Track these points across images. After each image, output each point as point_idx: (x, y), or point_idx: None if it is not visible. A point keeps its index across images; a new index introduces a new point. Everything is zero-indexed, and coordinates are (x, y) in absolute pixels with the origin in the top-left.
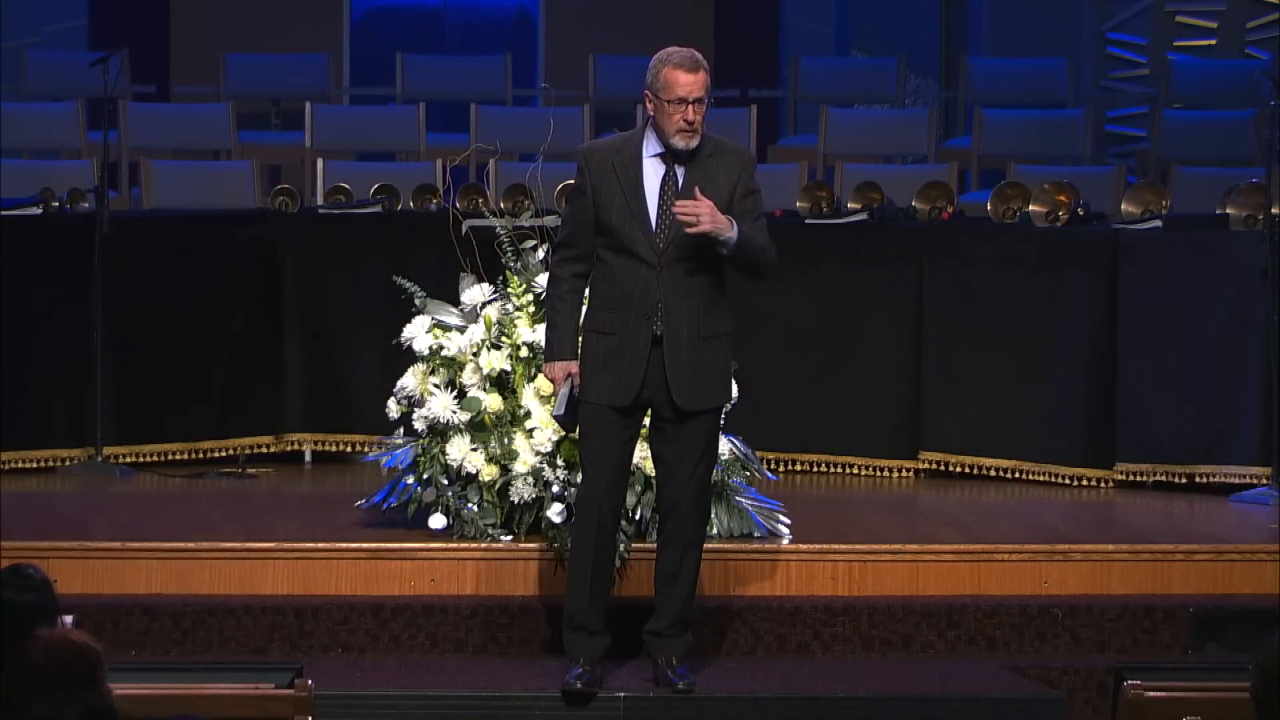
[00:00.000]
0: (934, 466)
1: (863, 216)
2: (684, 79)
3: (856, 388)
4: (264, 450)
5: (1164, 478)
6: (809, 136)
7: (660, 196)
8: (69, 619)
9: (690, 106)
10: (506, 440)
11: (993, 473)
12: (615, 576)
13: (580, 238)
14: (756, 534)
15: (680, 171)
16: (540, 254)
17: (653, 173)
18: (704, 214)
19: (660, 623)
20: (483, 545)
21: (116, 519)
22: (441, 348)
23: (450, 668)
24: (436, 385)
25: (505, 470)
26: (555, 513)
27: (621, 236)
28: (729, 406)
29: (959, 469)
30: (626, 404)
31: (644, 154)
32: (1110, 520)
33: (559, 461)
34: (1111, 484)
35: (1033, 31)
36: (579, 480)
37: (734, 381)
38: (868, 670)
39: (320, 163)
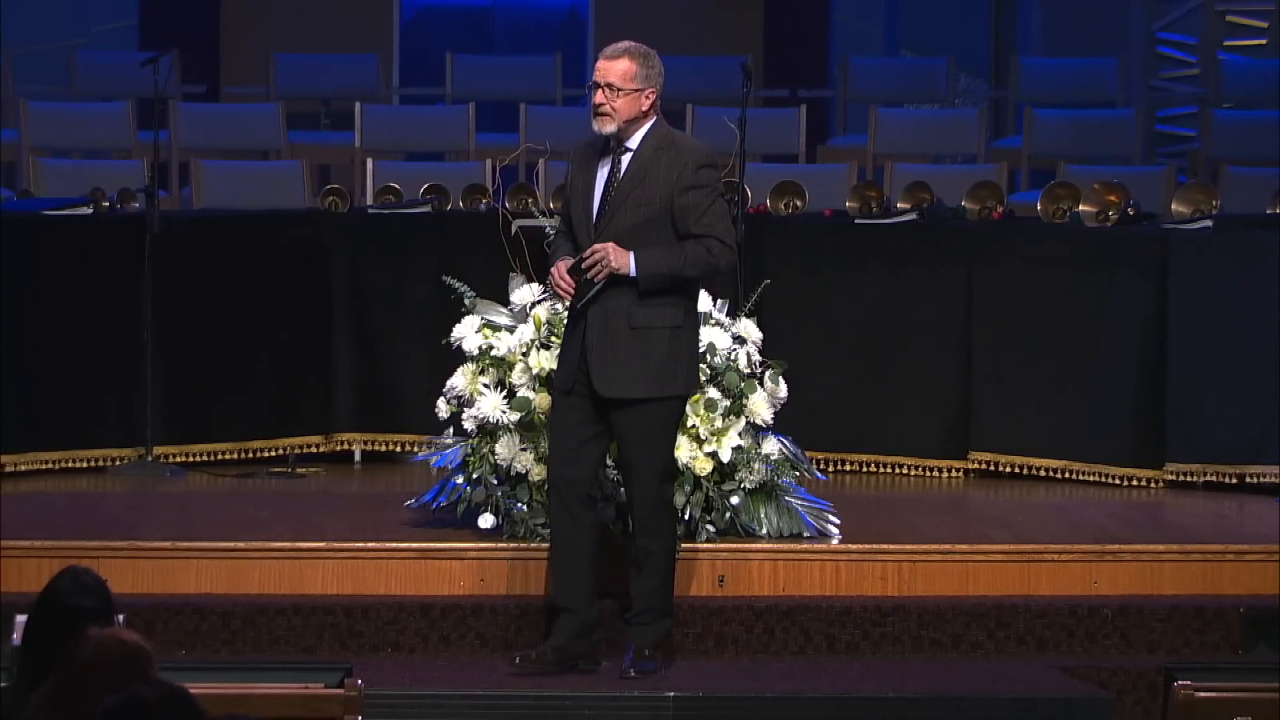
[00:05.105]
0: (983, 467)
1: (912, 216)
2: (599, 65)
3: (906, 388)
4: (314, 450)
5: (1214, 478)
6: (859, 136)
7: (605, 188)
8: (120, 618)
9: (600, 90)
10: None
11: (1042, 473)
12: (595, 555)
13: (567, 226)
14: (806, 534)
15: (625, 163)
16: None
17: (606, 165)
18: (603, 259)
19: (629, 611)
20: (532, 545)
21: (166, 519)
22: (491, 347)
23: (500, 668)
24: (486, 385)
25: None
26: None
27: (576, 227)
28: (777, 407)
29: (1008, 469)
30: (566, 388)
31: (609, 147)
32: (1160, 520)
33: (608, 461)
34: (1161, 484)
35: (1083, 31)
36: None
37: (746, 383)
38: (917, 670)
39: (370, 163)
